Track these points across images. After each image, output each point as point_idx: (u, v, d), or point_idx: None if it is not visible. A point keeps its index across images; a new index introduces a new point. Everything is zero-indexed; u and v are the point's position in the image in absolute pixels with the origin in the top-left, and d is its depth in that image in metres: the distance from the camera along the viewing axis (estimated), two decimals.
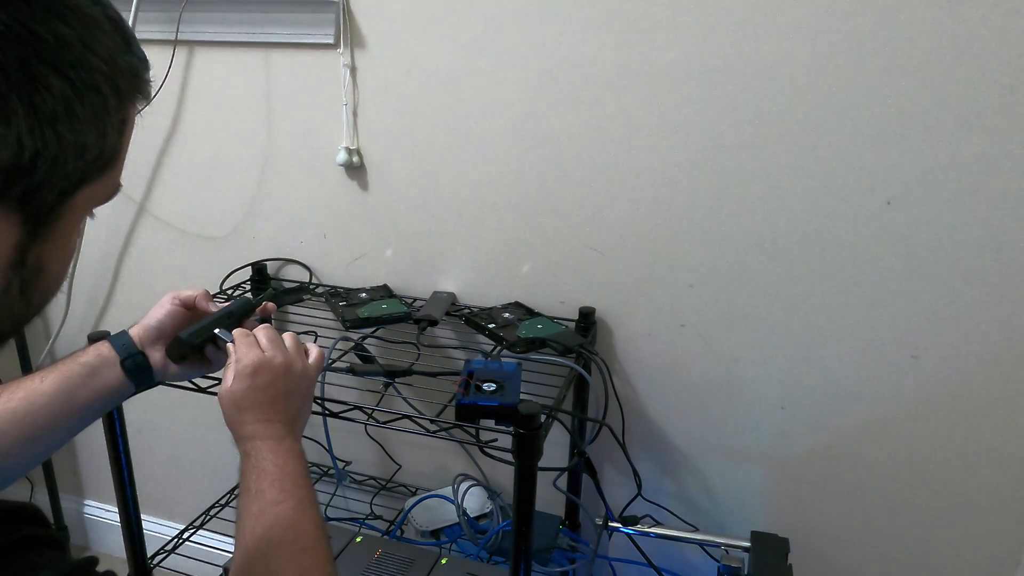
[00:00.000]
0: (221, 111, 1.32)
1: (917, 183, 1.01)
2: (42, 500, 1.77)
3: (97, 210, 0.50)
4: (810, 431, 1.17)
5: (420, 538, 1.26)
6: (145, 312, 0.84)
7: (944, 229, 1.02)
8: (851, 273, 1.07)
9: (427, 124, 1.20)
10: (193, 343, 0.81)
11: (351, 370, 1.02)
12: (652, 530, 1.17)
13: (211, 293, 0.86)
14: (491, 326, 1.15)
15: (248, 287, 1.35)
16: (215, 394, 0.98)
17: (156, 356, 0.81)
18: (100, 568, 0.49)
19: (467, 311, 1.24)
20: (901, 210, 1.03)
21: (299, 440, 0.75)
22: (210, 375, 0.92)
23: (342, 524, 1.38)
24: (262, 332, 0.79)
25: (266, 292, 1.30)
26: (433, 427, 0.93)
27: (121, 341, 0.80)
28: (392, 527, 1.31)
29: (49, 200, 0.43)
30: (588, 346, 1.12)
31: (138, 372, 0.79)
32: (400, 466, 1.44)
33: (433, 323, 1.17)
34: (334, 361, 1.10)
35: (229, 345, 0.78)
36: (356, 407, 0.97)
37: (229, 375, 0.75)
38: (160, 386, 0.86)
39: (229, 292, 1.32)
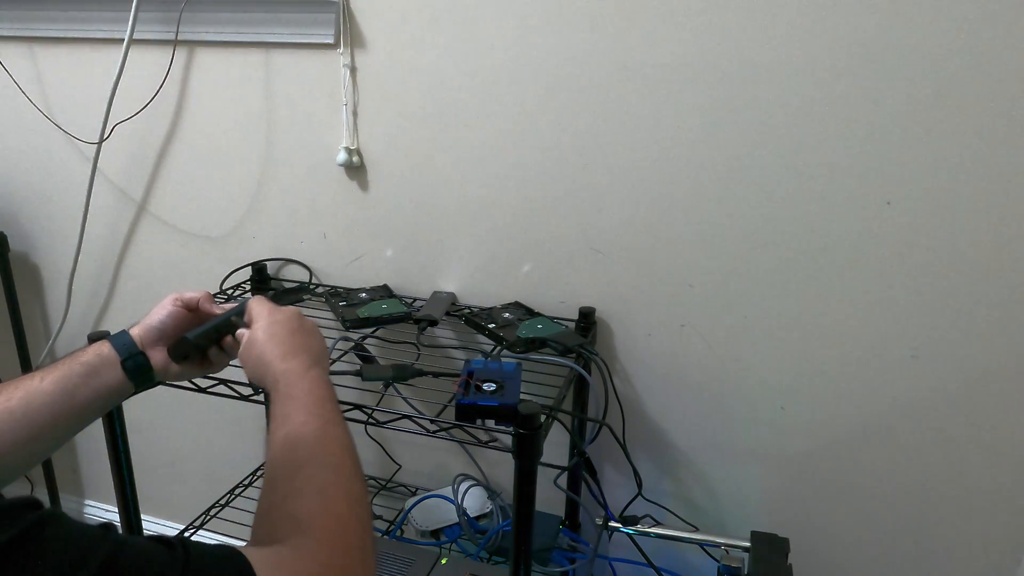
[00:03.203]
0: (221, 111, 1.32)
1: (917, 183, 1.01)
2: (42, 500, 1.76)
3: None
4: (810, 431, 1.17)
5: (420, 538, 1.26)
6: (145, 312, 0.85)
7: (944, 229, 1.02)
8: (851, 273, 1.07)
9: (427, 124, 1.20)
10: (199, 344, 0.82)
11: (359, 373, 1.01)
12: (652, 530, 1.17)
13: (212, 294, 0.86)
14: (491, 326, 1.15)
15: (248, 287, 1.35)
16: (215, 394, 0.99)
17: (157, 356, 0.81)
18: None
19: (467, 311, 1.24)
20: (901, 210, 1.03)
21: (326, 372, 0.78)
22: (210, 375, 0.92)
23: None
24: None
25: (266, 294, 1.30)
26: (433, 427, 0.93)
27: (122, 341, 0.80)
28: (392, 527, 1.30)
29: None
30: (588, 346, 1.12)
31: (139, 372, 0.79)
32: (400, 466, 1.44)
33: (433, 323, 1.17)
34: (334, 361, 1.10)
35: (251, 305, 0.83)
36: (356, 407, 0.97)
37: (252, 329, 0.79)
38: (161, 386, 0.86)
39: (229, 292, 1.32)
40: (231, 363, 0.88)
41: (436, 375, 1.03)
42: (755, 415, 1.19)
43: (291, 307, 0.83)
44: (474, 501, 1.29)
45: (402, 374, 1.01)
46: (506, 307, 1.22)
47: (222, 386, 0.99)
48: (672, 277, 1.16)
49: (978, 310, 1.04)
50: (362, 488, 0.64)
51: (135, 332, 0.81)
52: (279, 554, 0.53)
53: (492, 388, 0.91)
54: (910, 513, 1.16)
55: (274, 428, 0.68)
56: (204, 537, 1.36)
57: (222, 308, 0.87)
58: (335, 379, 1.03)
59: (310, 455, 0.64)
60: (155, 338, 0.82)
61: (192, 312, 0.85)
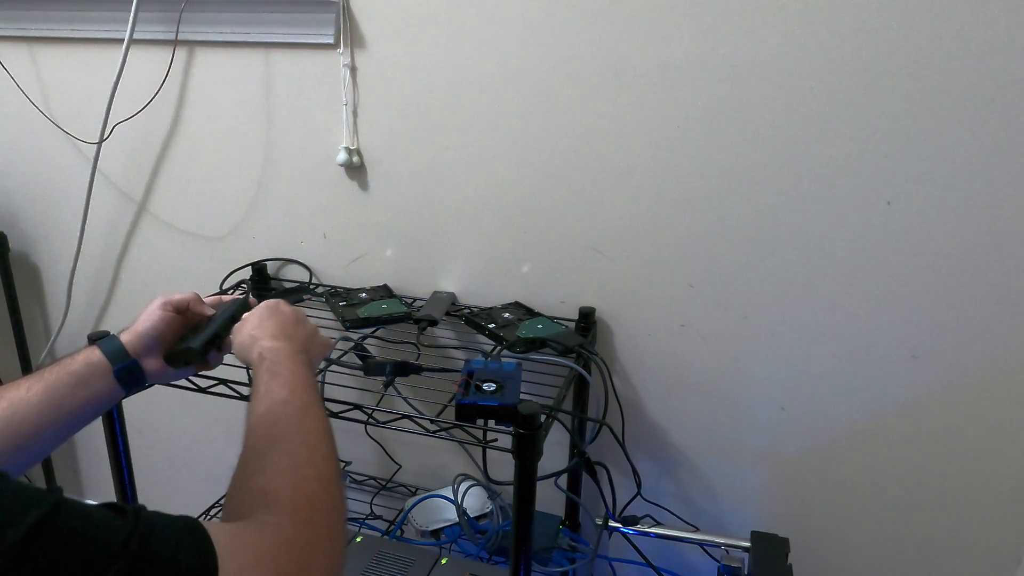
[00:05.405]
0: (221, 111, 1.32)
1: (917, 183, 1.01)
2: None
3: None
4: (810, 431, 1.17)
5: (420, 538, 1.26)
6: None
7: (944, 229, 1.02)
8: (851, 273, 1.07)
9: (427, 124, 1.20)
10: (206, 351, 0.82)
11: (363, 362, 1.01)
12: (652, 530, 1.17)
13: (211, 293, 0.87)
14: (491, 326, 1.15)
15: (248, 287, 1.35)
16: (216, 394, 0.99)
17: (150, 363, 0.81)
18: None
19: (467, 311, 1.24)
20: (901, 210, 1.03)
21: (312, 362, 0.79)
22: (209, 376, 0.92)
23: None
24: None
25: (267, 294, 1.30)
26: (433, 427, 0.93)
27: (112, 347, 0.79)
28: (392, 527, 1.30)
29: None
30: (588, 346, 1.12)
31: (131, 380, 0.79)
32: (400, 466, 1.44)
33: (433, 323, 1.17)
34: (333, 361, 1.10)
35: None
36: (356, 407, 0.97)
37: (250, 312, 0.85)
38: (161, 387, 0.86)
39: (229, 292, 1.32)
40: (225, 362, 0.88)
41: (439, 370, 1.03)
42: (755, 415, 1.19)
43: (294, 308, 0.85)
44: (474, 501, 1.29)
45: (403, 369, 1.01)
46: (506, 307, 1.22)
47: (222, 386, 0.99)
48: (672, 277, 1.16)
49: (978, 310, 1.04)
50: (336, 471, 0.64)
51: (126, 339, 0.80)
52: (242, 528, 0.52)
53: (492, 388, 0.91)
54: (910, 513, 1.16)
55: (255, 402, 0.68)
56: None
57: (211, 308, 0.87)
58: (332, 377, 1.04)
59: (287, 433, 0.64)
60: (148, 345, 0.81)
61: (181, 314, 0.85)
